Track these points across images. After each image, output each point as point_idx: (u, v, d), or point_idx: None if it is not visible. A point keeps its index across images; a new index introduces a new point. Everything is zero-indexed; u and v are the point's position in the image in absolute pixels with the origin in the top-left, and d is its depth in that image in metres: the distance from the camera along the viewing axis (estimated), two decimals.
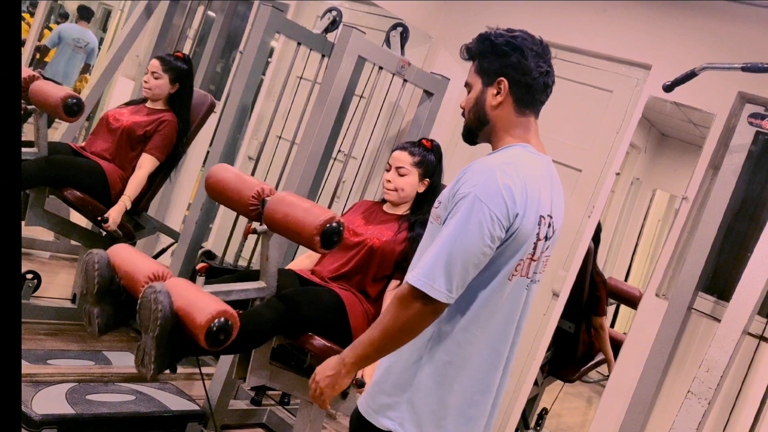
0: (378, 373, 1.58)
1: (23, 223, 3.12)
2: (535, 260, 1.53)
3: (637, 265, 3.73)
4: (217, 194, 2.43)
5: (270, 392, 3.21)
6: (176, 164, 3.48)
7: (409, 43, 3.32)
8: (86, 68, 6.43)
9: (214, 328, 1.94)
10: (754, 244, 2.46)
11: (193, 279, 2.30)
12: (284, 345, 2.39)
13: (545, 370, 3.32)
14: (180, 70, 3.39)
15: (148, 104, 3.42)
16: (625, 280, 3.67)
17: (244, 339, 2.10)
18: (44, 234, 3.89)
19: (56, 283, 3.81)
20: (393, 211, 2.69)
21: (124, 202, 3.17)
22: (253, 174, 3.42)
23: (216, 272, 2.49)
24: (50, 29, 6.44)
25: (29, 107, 3.13)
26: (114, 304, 2.20)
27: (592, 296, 3.30)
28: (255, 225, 2.31)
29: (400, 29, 3.30)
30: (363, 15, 4.02)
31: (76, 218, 3.57)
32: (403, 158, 2.62)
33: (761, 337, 2.56)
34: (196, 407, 2.80)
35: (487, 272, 1.47)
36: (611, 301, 3.54)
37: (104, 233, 3.25)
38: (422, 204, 2.65)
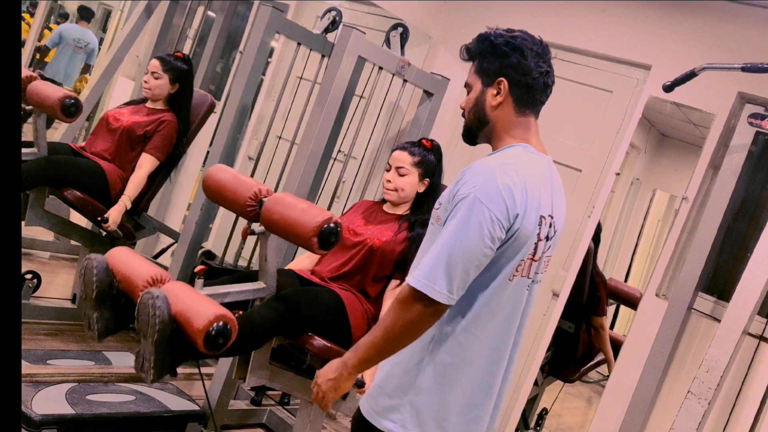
0: (380, 375, 1.57)
1: (23, 223, 3.11)
2: (536, 260, 1.53)
3: (637, 266, 3.73)
4: (214, 195, 2.43)
5: (270, 392, 3.21)
6: (176, 164, 3.47)
7: (409, 43, 3.32)
8: (86, 68, 6.43)
9: (213, 333, 1.94)
10: (754, 244, 2.46)
11: (191, 281, 2.29)
12: (284, 345, 2.38)
13: (545, 370, 3.32)
14: (180, 70, 3.39)
15: (148, 104, 3.42)
16: (625, 280, 3.67)
17: (244, 341, 2.10)
18: (44, 234, 3.88)
19: (56, 283, 3.80)
20: (393, 211, 2.69)
21: (124, 202, 3.17)
22: (253, 174, 3.42)
23: (215, 273, 2.49)
24: (50, 29, 6.44)
25: (28, 108, 3.13)
26: (113, 309, 2.19)
27: (592, 296, 3.29)
28: (253, 226, 2.31)
29: (400, 29, 3.30)
30: (363, 15, 4.01)
31: (76, 218, 3.56)
32: (403, 158, 2.62)
33: (761, 338, 2.56)
34: (196, 407, 2.80)
35: (488, 273, 1.47)
36: (611, 301, 3.54)
37: (104, 233, 3.26)
38: (422, 204, 2.65)
